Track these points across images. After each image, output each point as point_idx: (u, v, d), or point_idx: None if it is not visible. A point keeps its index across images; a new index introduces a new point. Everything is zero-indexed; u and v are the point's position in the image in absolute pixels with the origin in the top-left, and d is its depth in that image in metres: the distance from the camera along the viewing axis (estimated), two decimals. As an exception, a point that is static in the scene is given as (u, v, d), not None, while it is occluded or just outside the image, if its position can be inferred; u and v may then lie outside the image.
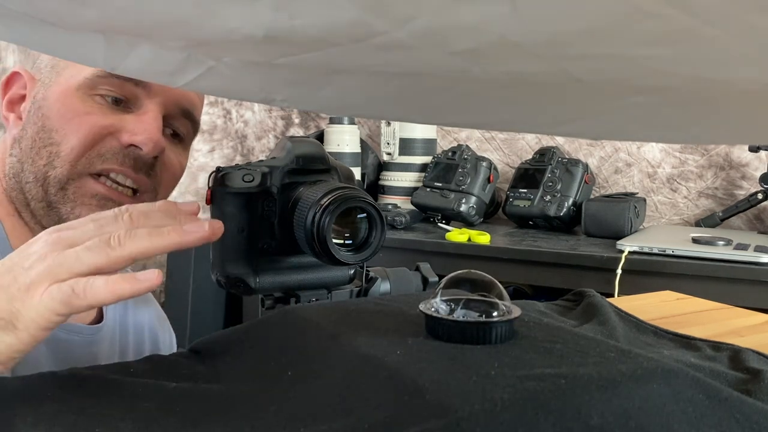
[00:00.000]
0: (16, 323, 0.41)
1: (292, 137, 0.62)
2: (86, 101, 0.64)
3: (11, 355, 0.41)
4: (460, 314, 0.43)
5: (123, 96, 0.65)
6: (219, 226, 0.46)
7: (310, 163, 0.59)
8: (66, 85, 0.65)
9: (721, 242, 1.25)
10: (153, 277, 0.42)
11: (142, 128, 0.64)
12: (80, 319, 0.70)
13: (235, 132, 2.12)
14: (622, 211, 1.43)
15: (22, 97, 0.69)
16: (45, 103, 0.66)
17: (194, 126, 0.72)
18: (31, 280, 0.41)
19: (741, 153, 1.59)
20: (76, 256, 0.42)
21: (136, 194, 0.67)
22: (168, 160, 0.69)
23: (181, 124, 0.70)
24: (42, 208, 0.65)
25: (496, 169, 1.66)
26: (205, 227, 0.45)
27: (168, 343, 0.81)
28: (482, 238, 1.42)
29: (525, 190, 1.61)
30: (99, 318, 0.73)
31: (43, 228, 0.64)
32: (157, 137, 0.65)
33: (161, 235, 0.44)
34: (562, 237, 1.49)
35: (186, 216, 0.47)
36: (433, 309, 0.43)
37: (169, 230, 0.44)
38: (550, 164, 1.60)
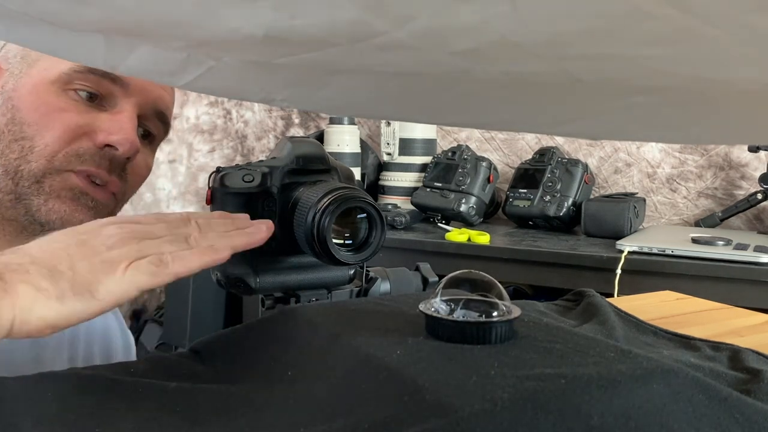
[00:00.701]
0: (95, 293, 0.41)
1: (292, 137, 0.62)
2: (61, 96, 0.63)
3: (72, 321, 0.41)
4: (460, 314, 0.43)
5: (98, 92, 0.64)
6: (271, 225, 0.50)
7: (310, 164, 0.59)
8: (39, 78, 0.64)
9: (721, 242, 1.25)
10: (263, 228, 0.48)
11: (118, 128, 0.64)
12: None
13: (235, 132, 2.12)
14: (622, 211, 1.43)
15: None
16: (15, 94, 0.64)
17: (165, 128, 0.72)
18: (118, 255, 0.42)
19: (740, 153, 1.60)
20: (158, 244, 0.44)
21: (107, 187, 0.67)
22: (137, 162, 0.68)
23: (153, 125, 0.70)
24: (9, 201, 0.64)
25: (495, 169, 1.66)
26: (263, 228, 0.49)
27: (123, 347, 0.79)
28: (482, 238, 1.42)
29: (525, 190, 1.61)
30: None
31: (3, 219, 0.65)
32: (134, 137, 0.65)
33: (230, 237, 0.47)
34: (561, 237, 1.50)
35: (241, 221, 0.51)
36: (433, 309, 0.43)
37: (236, 232, 0.48)
38: (550, 164, 1.60)
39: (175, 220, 0.48)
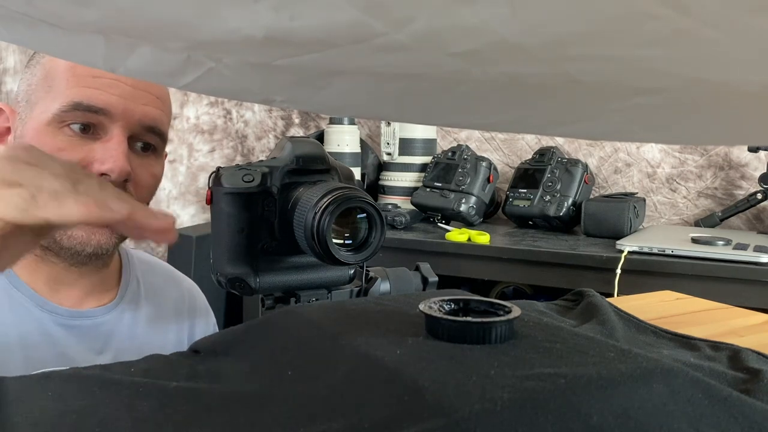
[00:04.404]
0: None
1: (292, 137, 0.62)
2: (57, 136, 0.68)
3: None
4: (460, 314, 0.43)
5: (89, 122, 0.68)
6: (171, 225, 0.44)
7: (310, 163, 0.59)
8: (38, 121, 0.68)
9: (721, 242, 1.26)
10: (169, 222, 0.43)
11: (108, 156, 0.67)
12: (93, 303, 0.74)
13: (235, 132, 2.12)
14: (622, 211, 1.43)
15: (8, 130, 0.73)
16: (23, 139, 0.69)
17: (162, 137, 0.74)
18: None
19: (740, 153, 1.60)
20: (39, 177, 0.40)
21: None
22: (139, 178, 0.71)
23: (148, 139, 0.73)
24: None
25: (495, 169, 1.66)
26: (169, 222, 0.44)
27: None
28: (482, 238, 1.42)
29: (525, 190, 1.61)
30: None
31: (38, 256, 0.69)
32: (122, 163, 0.68)
33: (131, 204, 0.43)
34: (561, 237, 1.50)
35: (155, 211, 0.45)
36: (433, 309, 0.43)
37: (141, 206, 0.43)
38: (550, 164, 1.60)
39: (81, 169, 0.44)
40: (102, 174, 0.67)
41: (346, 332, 0.43)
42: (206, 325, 0.87)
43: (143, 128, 0.71)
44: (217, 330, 0.89)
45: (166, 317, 0.82)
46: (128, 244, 0.84)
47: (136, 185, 0.71)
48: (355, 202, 0.52)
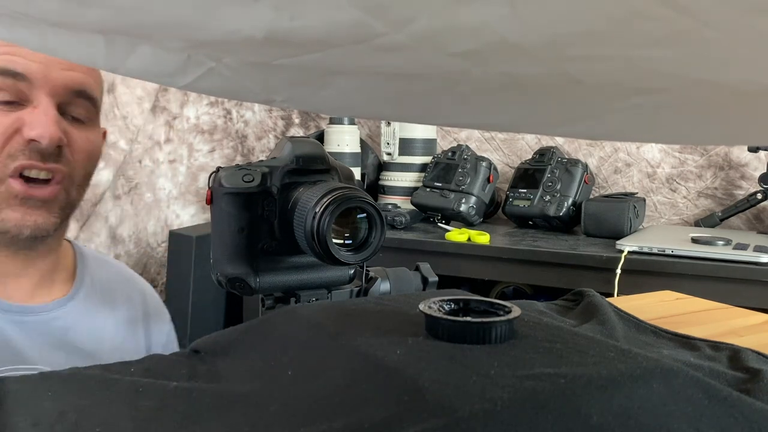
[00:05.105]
0: None
1: (292, 137, 0.62)
2: None
3: None
4: (460, 314, 0.43)
5: (13, 96, 0.67)
6: None
7: (310, 163, 0.59)
8: None
9: (721, 242, 1.25)
10: None
11: (37, 122, 0.66)
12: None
13: (235, 132, 2.12)
14: (622, 211, 1.43)
15: None
16: None
17: (93, 103, 0.73)
18: None
19: (740, 153, 1.60)
20: None
21: (51, 182, 0.69)
22: (76, 144, 0.70)
23: (77, 106, 0.71)
24: None
25: (495, 169, 1.66)
26: None
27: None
28: (482, 238, 1.42)
29: (525, 190, 1.61)
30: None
31: None
32: (52, 129, 0.67)
33: None
34: (561, 237, 1.50)
35: None
36: (433, 309, 0.43)
37: None
38: (550, 164, 1.60)
39: None
40: (32, 140, 0.66)
41: (346, 332, 0.43)
42: (161, 323, 0.85)
43: (71, 93, 0.70)
44: (173, 332, 0.87)
45: (122, 315, 0.80)
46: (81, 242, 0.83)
47: (74, 152, 0.70)
48: (355, 202, 0.52)
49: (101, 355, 0.74)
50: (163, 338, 0.83)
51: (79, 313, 0.74)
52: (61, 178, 0.69)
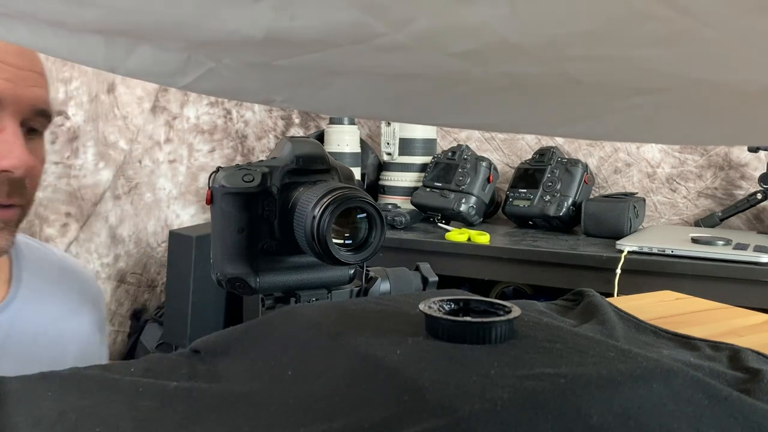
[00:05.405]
0: None
1: (292, 137, 0.62)
2: None
3: None
4: (460, 314, 0.43)
5: None
6: None
7: (310, 163, 0.59)
8: None
9: (721, 242, 1.26)
10: None
11: (8, 151, 0.63)
12: None
13: (235, 132, 2.12)
14: (622, 211, 1.43)
15: None
16: None
17: (48, 119, 0.71)
18: None
19: (740, 153, 1.60)
20: None
21: (12, 206, 0.67)
22: (36, 157, 0.68)
23: (36, 122, 0.69)
24: None
25: (495, 169, 1.66)
26: None
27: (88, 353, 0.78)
28: (482, 238, 1.42)
29: (525, 190, 1.61)
30: None
31: None
32: (26, 158, 0.64)
33: None
34: (561, 237, 1.50)
35: None
36: (433, 309, 0.43)
37: None
38: (550, 164, 1.60)
39: None
40: (4, 171, 0.63)
41: (346, 332, 0.43)
42: (98, 312, 0.82)
43: (34, 112, 0.67)
44: (105, 327, 0.85)
45: (66, 309, 0.78)
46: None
47: (32, 177, 0.68)
48: (355, 202, 0.52)
49: (47, 354, 0.72)
50: (88, 327, 0.81)
51: (21, 315, 0.72)
52: (21, 202, 0.68)
